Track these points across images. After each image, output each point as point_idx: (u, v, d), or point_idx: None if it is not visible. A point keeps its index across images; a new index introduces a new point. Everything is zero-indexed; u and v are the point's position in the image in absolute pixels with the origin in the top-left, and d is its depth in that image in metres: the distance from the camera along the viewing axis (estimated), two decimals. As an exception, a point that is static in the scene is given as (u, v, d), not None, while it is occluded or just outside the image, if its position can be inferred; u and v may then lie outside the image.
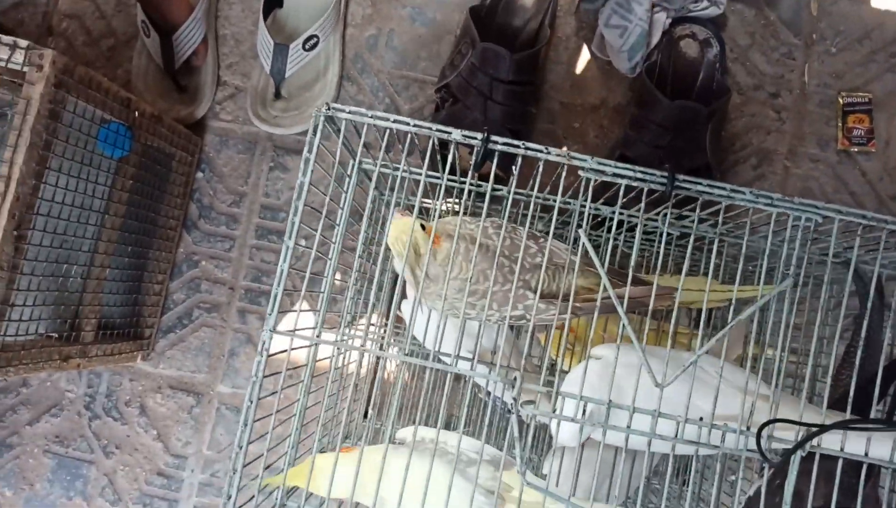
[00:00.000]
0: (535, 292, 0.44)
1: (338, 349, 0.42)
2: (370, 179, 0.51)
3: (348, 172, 0.47)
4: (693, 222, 0.47)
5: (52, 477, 0.91)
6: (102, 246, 0.76)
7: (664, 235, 0.45)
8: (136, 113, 0.75)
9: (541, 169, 0.45)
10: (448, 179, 0.54)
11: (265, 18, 0.89)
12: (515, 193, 0.46)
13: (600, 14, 0.88)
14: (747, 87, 0.92)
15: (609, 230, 0.68)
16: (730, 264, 0.75)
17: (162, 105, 0.90)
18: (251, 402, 0.36)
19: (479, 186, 0.49)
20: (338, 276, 0.51)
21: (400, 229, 0.42)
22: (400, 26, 0.94)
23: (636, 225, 0.54)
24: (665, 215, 0.46)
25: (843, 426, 0.40)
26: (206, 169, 0.93)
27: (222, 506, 0.38)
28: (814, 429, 0.38)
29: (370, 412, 0.85)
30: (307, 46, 0.88)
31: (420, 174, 0.45)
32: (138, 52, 0.93)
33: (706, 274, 0.64)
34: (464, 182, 0.47)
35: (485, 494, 0.40)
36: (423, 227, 0.43)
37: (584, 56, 0.92)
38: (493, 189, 0.52)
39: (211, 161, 0.93)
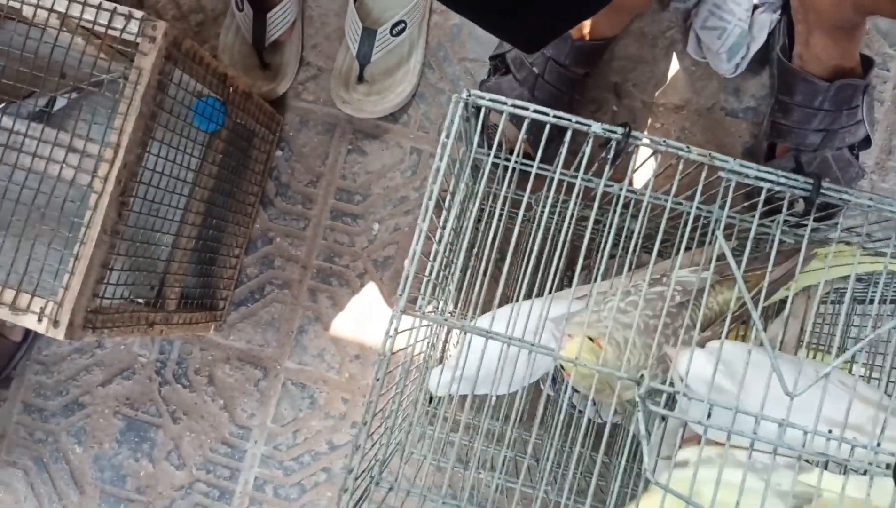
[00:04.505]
0: (697, 329, 0.45)
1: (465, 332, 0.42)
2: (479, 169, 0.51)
3: (460, 159, 0.47)
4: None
5: (121, 438, 0.93)
6: (190, 217, 0.78)
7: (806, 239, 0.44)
8: (231, 89, 0.77)
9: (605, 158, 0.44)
10: (561, 173, 0.54)
11: (354, 1, 0.89)
12: (628, 190, 0.45)
13: (694, 15, 0.87)
14: (838, 96, 0.89)
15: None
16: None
17: (245, 81, 0.91)
18: (378, 379, 0.37)
19: (598, 182, 0.49)
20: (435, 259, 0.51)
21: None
22: (485, 16, 0.93)
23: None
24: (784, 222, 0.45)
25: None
26: (286, 148, 0.94)
27: (344, 480, 0.38)
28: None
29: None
30: (394, 32, 0.88)
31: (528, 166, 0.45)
32: (226, 28, 0.94)
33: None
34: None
35: (792, 499, 0.39)
36: (591, 339, 0.45)
37: (670, 56, 0.91)
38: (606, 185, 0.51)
39: (291, 140, 0.94)
